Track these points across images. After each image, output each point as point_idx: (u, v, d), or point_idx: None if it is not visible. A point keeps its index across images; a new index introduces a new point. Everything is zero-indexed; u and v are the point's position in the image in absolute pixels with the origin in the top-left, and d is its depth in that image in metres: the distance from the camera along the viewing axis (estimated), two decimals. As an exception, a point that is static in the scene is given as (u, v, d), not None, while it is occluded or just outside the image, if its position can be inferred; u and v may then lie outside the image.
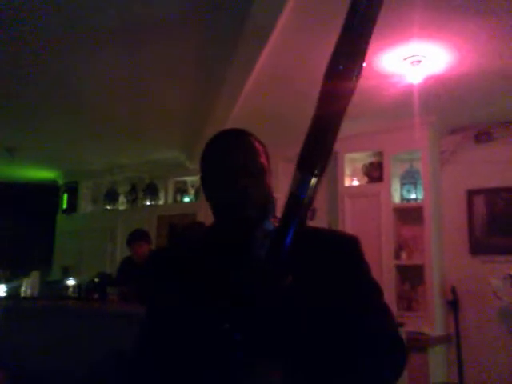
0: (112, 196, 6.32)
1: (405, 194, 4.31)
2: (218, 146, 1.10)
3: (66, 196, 6.67)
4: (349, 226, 4.32)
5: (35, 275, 4.31)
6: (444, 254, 4.27)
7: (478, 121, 4.18)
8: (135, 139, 5.11)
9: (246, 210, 1.00)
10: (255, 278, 0.82)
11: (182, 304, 1.03)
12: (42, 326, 3.45)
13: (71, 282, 4.34)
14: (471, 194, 4.26)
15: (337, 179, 4.54)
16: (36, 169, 6.39)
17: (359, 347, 0.95)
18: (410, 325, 3.71)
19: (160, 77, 3.48)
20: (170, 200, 5.96)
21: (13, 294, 4.28)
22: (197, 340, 0.96)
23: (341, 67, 0.71)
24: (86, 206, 6.63)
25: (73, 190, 6.61)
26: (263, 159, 1.07)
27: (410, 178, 4.29)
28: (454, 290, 4.10)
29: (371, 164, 4.52)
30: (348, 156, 4.57)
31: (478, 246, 4.19)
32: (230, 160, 1.04)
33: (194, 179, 5.69)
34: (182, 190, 5.89)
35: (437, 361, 3.94)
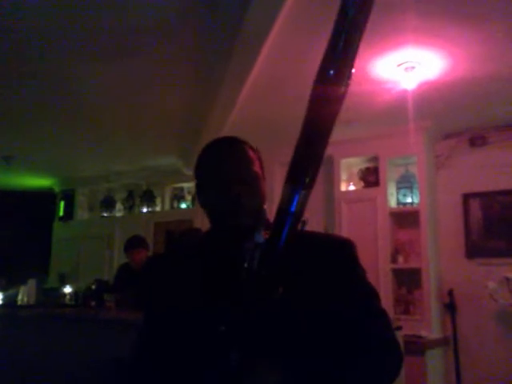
0: (109, 203, 6.32)
1: (401, 198, 4.33)
2: (212, 154, 1.11)
3: (62, 203, 6.66)
4: (345, 231, 4.33)
5: (32, 283, 4.27)
6: (440, 257, 4.29)
7: (473, 125, 4.21)
8: (132, 146, 5.12)
9: (239, 218, 1.01)
10: (246, 289, 0.83)
11: (178, 309, 1.04)
12: (39, 334, 3.43)
13: (68, 289, 4.32)
14: (467, 197, 4.28)
15: (333, 184, 4.56)
16: (32, 176, 6.39)
17: (355, 350, 0.96)
18: (408, 328, 3.72)
19: (156, 84, 3.49)
20: (166, 206, 5.96)
21: (9, 302, 4.24)
22: (193, 342, 0.97)
23: (331, 72, 0.71)
24: (82, 213, 6.62)
25: (69, 198, 6.61)
26: (257, 167, 1.08)
27: (405, 183, 4.32)
28: (450, 293, 4.11)
29: (367, 169, 4.55)
30: (344, 161, 4.60)
31: (474, 249, 4.21)
32: (224, 168, 1.05)
33: (190, 185, 5.69)
34: (178, 197, 5.89)
35: (434, 364, 3.94)
